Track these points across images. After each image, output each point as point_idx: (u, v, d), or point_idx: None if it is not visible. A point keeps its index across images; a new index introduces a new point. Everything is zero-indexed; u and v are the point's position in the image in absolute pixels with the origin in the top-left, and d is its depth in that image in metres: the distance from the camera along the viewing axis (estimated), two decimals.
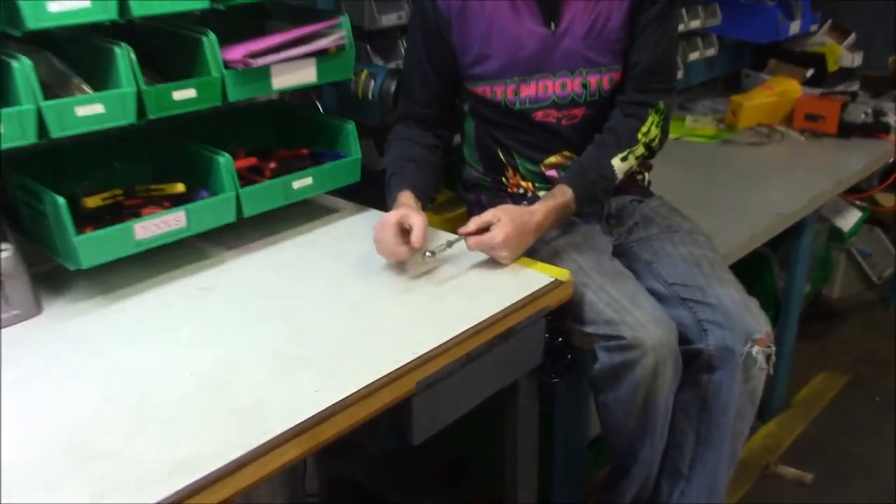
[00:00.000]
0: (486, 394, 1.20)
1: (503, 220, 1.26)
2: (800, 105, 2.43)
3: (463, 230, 1.28)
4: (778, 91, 2.52)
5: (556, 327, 1.32)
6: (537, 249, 1.34)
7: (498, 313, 1.16)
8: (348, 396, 0.97)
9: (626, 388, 1.28)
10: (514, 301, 1.19)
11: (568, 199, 1.33)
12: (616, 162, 1.35)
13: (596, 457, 1.73)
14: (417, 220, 1.24)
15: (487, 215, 1.27)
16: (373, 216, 1.52)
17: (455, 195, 1.77)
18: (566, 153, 1.44)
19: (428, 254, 1.24)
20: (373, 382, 0.99)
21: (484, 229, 1.27)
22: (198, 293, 1.24)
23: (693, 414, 1.37)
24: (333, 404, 0.95)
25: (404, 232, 1.25)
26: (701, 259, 1.39)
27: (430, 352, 1.06)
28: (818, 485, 2.06)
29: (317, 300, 1.21)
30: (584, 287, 1.30)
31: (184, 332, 1.12)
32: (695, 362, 1.34)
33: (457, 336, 1.10)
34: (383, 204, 1.43)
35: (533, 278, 1.26)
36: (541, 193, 1.46)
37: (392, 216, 1.26)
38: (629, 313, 1.25)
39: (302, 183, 1.40)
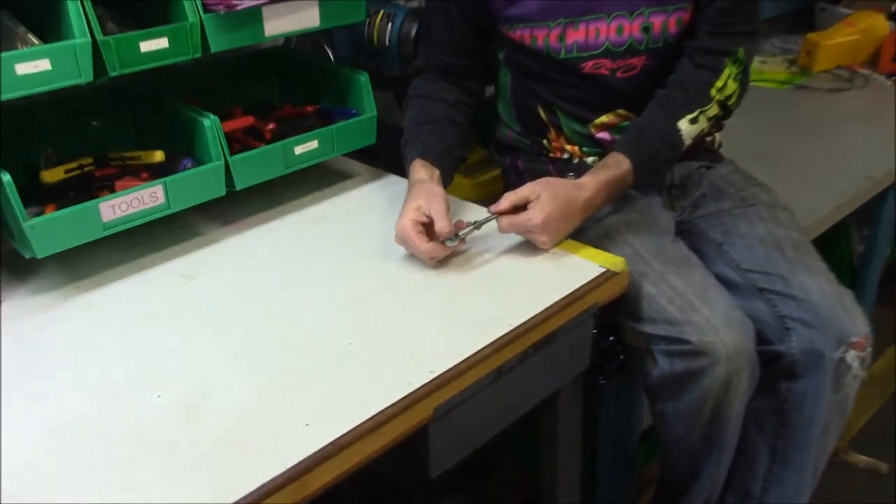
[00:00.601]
0: (520, 412, 0.99)
1: (544, 196, 1.03)
2: (887, 44, 2.12)
3: (495, 208, 1.05)
4: (860, 28, 2.20)
5: (607, 322, 1.10)
6: (584, 229, 1.11)
7: (536, 315, 0.94)
8: (347, 433, 0.77)
9: (690, 399, 1.06)
10: (556, 299, 0.97)
11: (624, 171, 1.09)
12: (684, 125, 1.11)
13: (648, 451, 1.53)
14: (435, 205, 1.02)
15: (525, 190, 1.05)
16: (393, 183, 1.30)
17: (489, 155, 1.54)
18: (621, 112, 1.20)
19: (448, 241, 1.02)
20: (378, 413, 0.79)
21: (520, 207, 1.05)
22: (179, 282, 1.04)
23: (769, 428, 1.15)
24: (327, 444, 0.76)
25: (428, 225, 1.04)
26: (783, 240, 1.16)
27: (450, 369, 0.85)
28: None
29: (317, 295, 1.00)
30: (641, 277, 1.07)
31: (156, 338, 0.93)
32: (773, 366, 1.11)
33: (484, 348, 0.89)
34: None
35: (579, 267, 1.03)
36: (590, 160, 1.23)
37: (405, 217, 1.03)
38: (697, 312, 1.03)
39: (306, 147, 1.18)
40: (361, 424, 0.78)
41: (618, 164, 1.09)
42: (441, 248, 1.02)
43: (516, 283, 1.01)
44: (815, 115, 1.90)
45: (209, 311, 0.98)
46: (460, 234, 1.02)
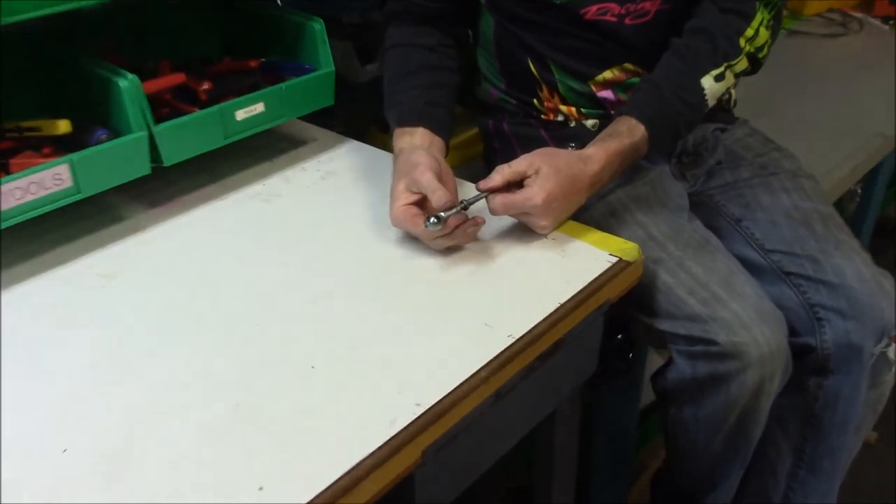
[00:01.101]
0: (517, 436, 0.83)
1: (544, 171, 0.85)
2: None
3: (484, 184, 0.87)
4: None
5: (614, 316, 0.94)
6: (585, 207, 0.93)
7: (541, 323, 0.77)
8: (315, 499, 0.59)
9: (713, 406, 0.91)
10: (563, 300, 0.80)
11: (638, 139, 0.91)
12: (708, 82, 0.92)
13: (642, 436, 1.39)
14: (422, 177, 0.83)
15: (521, 164, 0.86)
16: (357, 150, 1.10)
17: (464, 113, 1.34)
18: (628, 67, 1.01)
19: (433, 220, 0.83)
20: (354, 468, 0.62)
21: (515, 184, 0.87)
22: (96, 284, 0.84)
23: (794, 428, 1.01)
24: None
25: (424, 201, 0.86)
26: (811, 215, 1.00)
27: (441, 400, 0.68)
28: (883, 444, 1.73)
29: (269, 298, 0.81)
30: (655, 264, 0.91)
31: (62, 363, 0.73)
32: (801, 361, 0.96)
33: (480, 370, 0.71)
34: (373, 126, 1.01)
35: (586, 257, 0.86)
36: (589, 123, 1.04)
37: (395, 205, 0.85)
38: (723, 306, 0.87)
39: (250, 111, 0.98)
40: (333, 485, 0.60)
41: (630, 131, 0.90)
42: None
43: (512, 278, 0.84)
44: (812, 63, 1.75)
45: (134, 322, 0.78)
46: (444, 215, 0.83)
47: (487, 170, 1.14)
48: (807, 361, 0.96)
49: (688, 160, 1.06)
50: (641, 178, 0.99)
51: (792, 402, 0.99)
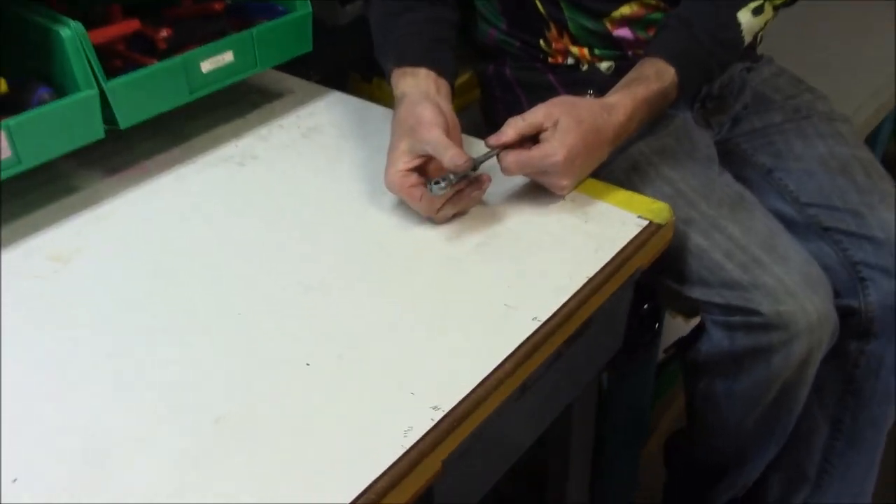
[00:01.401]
0: (540, 430, 0.74)
1: (564, 123, 0.73)
2: None
3: (495, 140, 0.75)
4: None
5: (638, 283, 0.84)
6: (605, 162, 0.82)
7: (570, 301, 0.67)
8: None
9: (752, 380, 0.82)
10: (591, 273, 0.69)
11: (667, 84, 0.79)
12: (745, 16, 0.81)
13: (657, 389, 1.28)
14: (428, 134, 0.71)
15: (536, 115, 0.74)
16: (341, 102, 0.98)
17: (465, 55, 1.20)
18: (649, 0, 0.89)
19: (436, 185, 0.72)
20: (366, 491, 0.51)
21: (530, 138, 0.75)
22: (47, 270, 0.72)
23: (831, 397, 0.93)
24: None
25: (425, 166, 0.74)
26: (851, 163, 0.90)
27: (462, 401, 0.58)
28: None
29: (249, 280, 0.70)
30: (686, 224, 0.81)
31: (9, 376, 0.62)
32: (841, 324, 0.87)
33: (505, 361, 0.61)
34: (355, 75, 0.89)
35: (612, 220, 0.76)
36: (604, 66, 0.92)
37: (392, 169, 0.73)
38: (766, 271, 0.77)
39: (217, 62, 0.85)
40: None
41: (658, 75, 0.79)
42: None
43: (529, 249, 0.73)
44: None
45: (92, 316, 0.67)
46: (453, 177, 0.72)
47: (486, 121, 1.04)
48: (848, 324, 0.87)
49: (712, 105, 0.95)
50: (664, 127, 0.88)
51: (830, 368, 0.90)
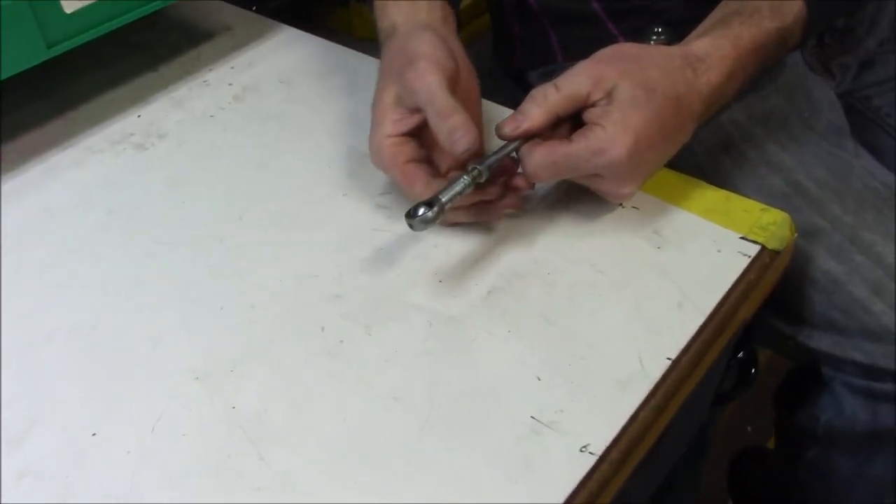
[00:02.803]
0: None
1: (623, 92, 0.44)
2: None
3: (513, 127, 0.45)
4: None
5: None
6: None
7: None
8: None
9: (888, 466, 0.55)
10: (700, 322, 0.42)
11: (789, 21, 0.49)
12: None
13: None
14: (423, 82, 0.43)
15: (579, 79, 0.44)
16: (297, 44, 0.69)
17: None
18: None
19: (422, 210, 0.42)
20: None
21: (567, 118, 0.46)
22: None
23: None
24: None
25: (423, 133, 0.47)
26: None
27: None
28: None
29: (176, 314, 0.44)
30: (807, 239, 0.53)
31: None
32: None
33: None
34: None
35: (699, 244, 0.48)
36: None
37: (378, 132, 0.46)
38: None
39: None
40: None
41: (774, 8, 0.49)
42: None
43: (575, 304, 0.45)
44: None
45: None
46: (457, 189, 0.43)
47: (499, 70, 0.74)
48: None
49: (833, 41, 0.65)
50: (769, 80, 0.58)
51: None
